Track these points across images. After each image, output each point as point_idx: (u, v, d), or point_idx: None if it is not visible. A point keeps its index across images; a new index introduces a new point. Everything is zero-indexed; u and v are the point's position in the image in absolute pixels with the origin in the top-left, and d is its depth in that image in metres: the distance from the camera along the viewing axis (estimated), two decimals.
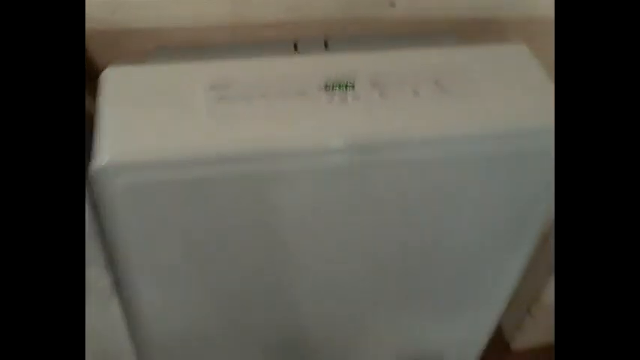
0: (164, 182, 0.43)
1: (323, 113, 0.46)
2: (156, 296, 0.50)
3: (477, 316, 0.65)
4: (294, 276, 0.52)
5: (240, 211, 0.45)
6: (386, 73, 0.49)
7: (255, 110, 0.45)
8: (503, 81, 0.51)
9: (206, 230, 0.46)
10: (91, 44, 0.55)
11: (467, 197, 0.50)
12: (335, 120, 0.46)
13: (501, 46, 0.54)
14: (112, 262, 0.50)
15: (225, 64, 0.49)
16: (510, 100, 0.49)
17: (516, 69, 0.52)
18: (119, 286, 0.53)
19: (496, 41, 0.57)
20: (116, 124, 0.44)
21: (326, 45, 0.55)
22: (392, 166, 0.46)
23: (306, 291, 0.54)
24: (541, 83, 0.51)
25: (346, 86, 0.48)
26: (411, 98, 0.48)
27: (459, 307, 0.63)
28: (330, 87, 0.48)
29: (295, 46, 0.54)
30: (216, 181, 0.43)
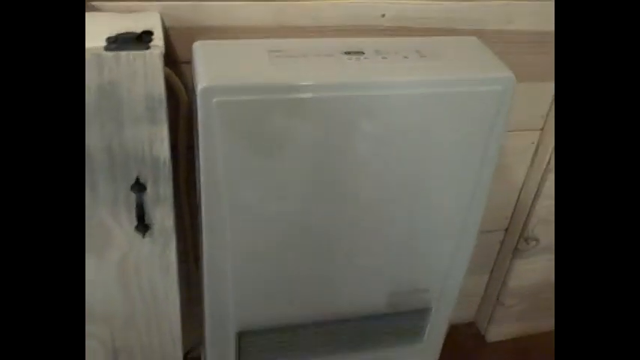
0: (242, 101, 0.65)
1: (343, 65, 0.69)
2: (232, 198, 0.71)
3: (456, 245, 0.85)
4: (330, 178, 0.73)
5: (290, 124, 0.67)
6: (384, 47, 0.73)
7: (299, 62, 0.69)
8: (463, 53, 0.76)
9: (270, 139, 0.68)
10: (174, 36, 0.78)
11: (443, 126, 0.73)
12: (351, 68, 0.69)
13: (461, 37, 0.80)
14: (199, 175, 0.70)
15: (275, 41, 0.72)
16: (469, 62, 0.74)
17: (471, 48, 0.77)
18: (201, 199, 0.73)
19: None
20: (209, 67, 0.66)
21: None
22: (387, 99, 0.69)
23: (338, 196, 0.75)
24: (487, 55, 0.76)
25: (358, 52, 0.72)
26: (401, 59, 0.72)
27: (439, 235, 0.84)
28: (348, 53, 0.72)
29: None
30: (275, 101, 0.66)
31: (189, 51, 0.77)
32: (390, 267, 0.85)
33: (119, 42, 0.67)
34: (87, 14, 0.73)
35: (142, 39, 0.68)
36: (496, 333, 1.31)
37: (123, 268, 0.86)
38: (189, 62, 0.78)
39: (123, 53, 0.67)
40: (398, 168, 0.75)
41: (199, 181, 0.72)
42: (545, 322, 1.32)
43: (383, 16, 0.84)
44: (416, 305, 0.91)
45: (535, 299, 1.25)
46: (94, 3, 0.75)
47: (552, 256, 1.19)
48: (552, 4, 0.89)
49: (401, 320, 0.92)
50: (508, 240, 1.19)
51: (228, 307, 0.83)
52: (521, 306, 1.26)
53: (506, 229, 1.19)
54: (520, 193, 1.13)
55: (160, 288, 0.90)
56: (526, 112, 1.02)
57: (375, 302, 0.88)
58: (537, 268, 1.20)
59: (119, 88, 0.69)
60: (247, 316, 0.84)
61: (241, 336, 0.86)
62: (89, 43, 0.67)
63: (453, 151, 0.75)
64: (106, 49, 0.66)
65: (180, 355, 1.00)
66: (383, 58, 0.72)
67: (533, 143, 1.07)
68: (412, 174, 0.76)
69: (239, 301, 0.82)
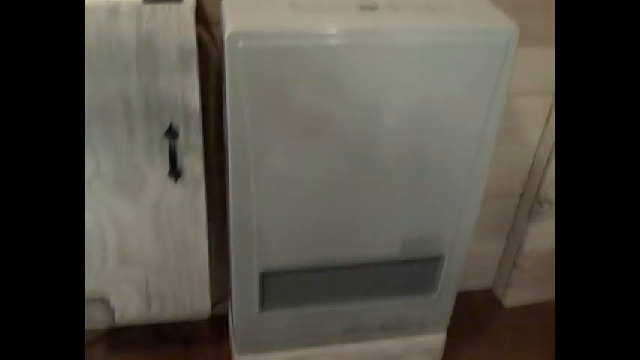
0: (265, 47, 0.71)
1: (358, 17, 0.76)
2: (258, 140, 0.77)
3: (466, 193, 0.90)
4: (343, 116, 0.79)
5: (308, 70, 0.74)
6: (395, 3, 0.79)
7: (318, 14, 0.75)
8: (470, 8, 0.81)
9: (291, 84, 0.74)
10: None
11: (451, 76, 0.78)
12: (365, 19, 0.75)
13: None
14: (227, 121, 0.77)
15: (298, 2, 0.79)
16: (475, 15, 0.79)
17: (478, 5, 0.83)
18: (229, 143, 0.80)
19: None
20: (236, 17, 0.73)
21: None
22: (397, 47, 0.75)
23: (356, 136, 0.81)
24: (493, 11, 0.81)
25: (372, 7, 0.78)
26: (411, 12, 0.78)
27: (449, 182, 0.89)
28: (362, 7, 0.78)
29: None
30: (295, 47, 0.72)
31: (214, 11, 0.84)
32: (404, 213, 0.91)
33: None
34: None
35: None
36: (513, 298, 1.35)
37: (157, 214, 0.93)
38: (219, 23, 0.85)
39: (159, 5, 0.74)
40: (410, 115, 0.80)
41: (226, 128, 0.79)
42: None
43: None
44: (429, 253, 0.97)
45: (550, 264, 1.29)
46: None
47: None
48: None
49: (414, 268, 0.98)
50: (523, 204, 1.23)
51: (252, 250, 0.90)
52: (537, 270, 1.30)
53: (522, 194, 1.23)
54: (534, 156, 1.17)
55: (189, 235, 0.97)
56: (539, 75, 1.07)
57: (389, 249, 0.94)
58: (551, 232, 1.23)
59: (155, 39, 0.77)
60: (269, 258, 0.91)
61: (264, 277, 0.93)
62: None
63: (461, 100, 0.80)
64: (145, 1, 0.74)
65: (208, 304, 1.07)
66: (394, 11, 0.78)
67: (545, 107, 1.11)
68: (423, 121, 0.82)
69: (262, 244, 0.89)
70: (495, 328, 1.32)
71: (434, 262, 0.98)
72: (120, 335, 1.23)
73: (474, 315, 1.34)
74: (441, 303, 1.05)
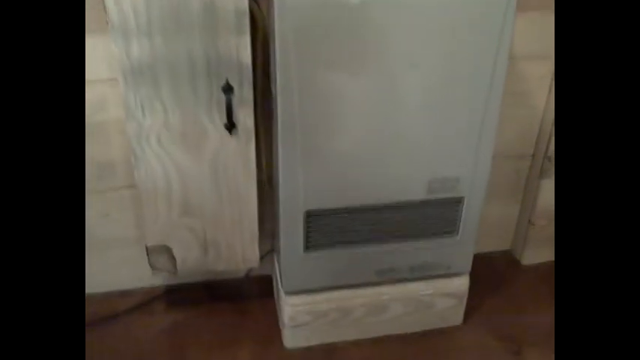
0: (308, 5, 0.87)
1: None
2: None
3: (479, 137, 1.04)
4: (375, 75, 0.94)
5: (343, 26, 0.89)
6: None
7: None
8: None
9: (329, 40, 0.90)
10: None
11: (462, 25, 0.93)
12: None
13: None
14: (273, 76, 0.92)
15: None
16: None
17: None
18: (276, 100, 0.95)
19: None
20: None
21: None
22: (410, 3, 0.90)
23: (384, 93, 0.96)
24: None
25: None
26: None
27: (466, 130, 1.03)
28: None
29: None
30: (332, 5, 0.88)
31: None
32: (429, 157, 1.05)
33: None
34: None
35: None
36: (530, 256, 1.47)
37: (214, 165, 1.08)
38: None
39: None
40: (430, 63, 0.95)
41: (275, 78, 0.95)
42: None
43: None
44: (451, 194, 1.10)
45: None
46: None
47: None
48: None
49: (438, 208, 1.11)
50: (535, 164, 1.36)
51: (298, 190, 1.04)
52: (551, 227, 1.42)
53: (533, 155, 1.37)
54: (542, 118, 1.31)
55: (241, 186, 1.12)
56: (541, 40, 1.21)
57: (417, 190, 1.07)
58: None
59: (215, 4, 0.93)
60: (313, 198, 1.05)
61: (308, 216, 1.07)
62: None
63: (471, 47, 0.95)
64: None
65: (257, 253, 1.21)
66: None
67: (550, 71, 1.25)
68: (441, 68, 0.96)
69: (307, 185, 1.03)
70: (514, 285, 1.43)
71: (455, 203, 1.12)
72: (176, 294, 1.37)
73: (494, 274, 1.46)
74: (463, 244, 1.18)
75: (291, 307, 1.18)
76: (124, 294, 1.36)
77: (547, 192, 1.36)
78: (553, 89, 1.27)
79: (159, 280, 1.37)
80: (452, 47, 0.96)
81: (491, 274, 1.45)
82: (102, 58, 1.09)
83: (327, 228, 1.10)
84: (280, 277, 1.18)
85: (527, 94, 1.27)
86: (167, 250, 1.18)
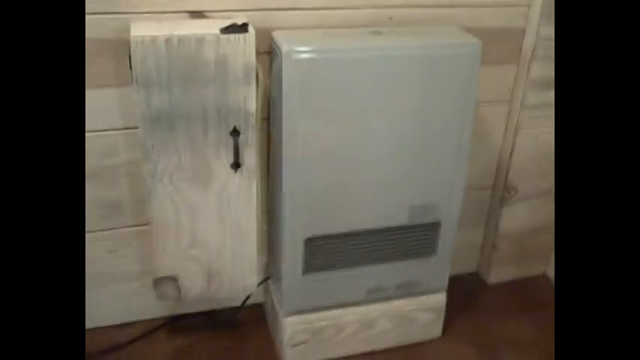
0: (309, 58, 1.03)
1: (368, 39, 1.09)
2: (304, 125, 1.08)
3: (453, 169, 1.22)
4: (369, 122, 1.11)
5: (339, 74, 1.06)
6: (394, 30, 1.13)
7: (343, 37, 1.08)
8: (446, 32, 1.16)
9: (325, 83, 1.06)
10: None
11: (435, 77, 1.11)
12: (374, 40, 1.09)
13: (445, 25, 1.20)
14: (276, 120, 1.08)
15: (325, 29, 1.12)
16: (450, 36, 1.14)
17: (451, 30, 1.17)
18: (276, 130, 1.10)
19: None
20: (287, 41, 1.05)
21: None
22: (392, 57, 1.08)
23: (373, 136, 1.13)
24: (462, 33, 1.16)
25: (378, 33, 1.12)
26: (406, 35, 1.11)
27: (441, 161, 1.20)
28: (373, 33, 1.11)
29: None
30: (328, 58, 1.04)
31: (263, 44, 1.16)
32: (410, 187, 1.21)
33: (229, 30, 1.06)
34: (206, 20, 1.13)
35: (242, 28, 1.08)
36: (495, 276, 1.64)
37: (220, 200, 1.21)
38: (263, 53, 1.17)
39: (232, 35, 1.06)
40: (407, 109, 1.13)
41: (279, 124, 1.10)
42: (534, 265, 1.66)
43: (390, 18, 1.24)
44: (429, 219, 1.26)
45: (522, 242, 1.59)
46: (207, 13, 1.15)
47: (531, 203, 1.54)
48: (510, 10, 1.30)
49: (419, 231, 1.27)
50: (495, 193, 1.55)
51: (299, 221, 1.18)
52: (512, 249, 1.60)
53: (493, 186, 1.55)
54: (500, 153, 1.50)
55: (243, 219, 1.25)
56: (498, 88, 1.41)
57: (400, 216, 1.23)
58: (520, 215, 1.55)
59: (228, 60, 1.08)
60: (312, 226, 1.19)
61: (307, 242, 1.21)
62: (210, 32, 1.06)
63: (444, 97, 1.13)
64: (222, 32, 1.06)
65: (255, 282, 1.33)
66: (394, 35, 1.11)
67: (504, 112, 1.45)
68: (420, 118, 1.14)
69: (306, 216, 1.18)
70: (483, 301, 1.60)
71: (433, 227, 1.28)
72: (177, 323, 1.47)
73: (465, 293, 1.62)
74: (441, 263, 1.34)
75: (290, 327, 1.30)
76: (127, 325, 1.45)
77: (507, 218, 1.54)
78: (509, 129, 1.46)
79: (160, 312, 1.47)
80: (430, 101, 1.14)
81: (462, 292, 1.61)
82: (116, 109, 1.21)
83: (324, 252, 1.24)
84: (280, 300, 1.31)
85: (487, 133, 1.46)
86: (174, 281, 1.29)
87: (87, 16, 1.11)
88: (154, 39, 1.03)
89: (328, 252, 1.24)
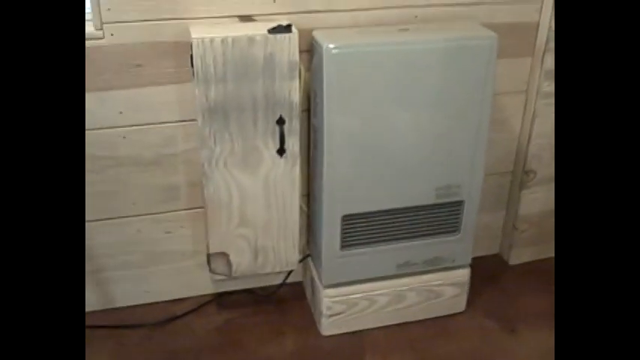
0: (346, 52, 1.19)
1: (396, 35, 1.24)
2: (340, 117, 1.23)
3: (473, 152, 1.35)
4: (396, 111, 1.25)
5: (373, 66, 1.21)
6: (419, 26, 1.28)
7: (375, 34, 1.23)
8: (466, 27, 1.30)
9: (362, 77, 1.21)
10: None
11: (457, 67, 1.25)
12: (402, 35, 1.24)
13: (465, 20, 1.34)
14: (317, 110, 1.23)
15: (359, 29, 1.27)
16: (470, 30, 1.28)
17: (472, 25, 1.32)
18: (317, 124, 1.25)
19: None
20: (327, 38, 1.21)
21: None
22: (418, 50, 1.22)
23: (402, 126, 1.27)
24: (481, 27, 1.30)
25: (405, 29, 1.26)
26: (431, 30, 1.26)
27: (463, 148, 1.34)
28: (400, 29, 1.26)
29: None
30: (364, 52, 1.19)
31: (304, 44, 1.31)
32: (436, 169, 1.35)
33: (275, 30, 1.22)
34: (254, 23, 1.29)
35: (287, 28, 1.23)
36: (516, 257, 1.76)
37: (267, 183, 1.37)
38: (303, 51, 1.32)
39: (278, 35, 1.22)
40: (431, 97, 1.27)
41: (320, 114, 1.25)
42: (551, 246, 1.78)
43: (416, 17, 1.39)
44: (453, 198, 1.40)
45: (541, 225, 1.72)
46: (254, 17, 1.31)
47: (548, 187, 1.66)
48: (524, 6, 1.44)
49: (443, 209, 1.41)
50: (515, 178, 1.68)
51: (337, 198, 1.33)
52: (532, 231, 1.72)
53: (512, 171, 1.68)
54: (519, 140, 1.63)
55: (287, 199, 1.40)
56: (515, 79, 1.55)
57: (427, 195, 1.37)
58: (539, 197, 1.67)
59: (275, 57, 1.23)
60: (348, 204, 1.34)
61: (344, 219, 1.36)
62: (259, 32, 1.22)
63: (463, 84, 1.27)
64: (270, 32, 1.21)
65: (297, 257, 1.48)
66: (419, 30, 1.26)
67: (522, 101, 1.58)
68: (444, 106, 1.28)
69: (344, 194, 1.33)
70: (505, 280, 1.72)
71: (457, 205, 1.42)
72: (225, 299, 1.62)
73: (487, 273, 1.74)
74: (464, 240, 1.47)
75: (328, 299, 1.45)
76: (180, 300, 1.61)
77: (526, 201, 1.67)
78: (526, 117, 1.59)
79: (209, 288, 1.62)
80: (451, 90, 1.28)
81: (485, 272, 1.73)
82: (174, 104, 1.38)
83: (358, 229, 1.38)
84: (319, 274, 1.45)
85: (506, 121, 1.60)
86: (225, 257, 1.44)
87: (149, 22, 1.28)
88: (212, 39, 1.19)
89: (362, 229, 1.38)
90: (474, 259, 1.60)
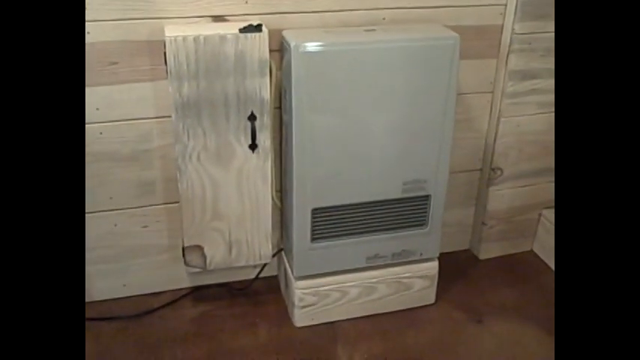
0: (314, 51, 1.24)
1: (363, 35, 1.29)
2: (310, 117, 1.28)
3: (439, 148, 1.41)
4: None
5: (338, 65, 1.26)
6: (385, 27, 1.34)
7: (342, 34, 1.29)
8: (430, 28, 1.36)
9: (328, 74, 1.26)
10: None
11: (419, 66, 1.31)
12: (367, 35, 1.29)
13: (429, 23, 1.40)
14: (287, 107, 1.28)
15: (327, 29, 1.32)
16: (433, 31, 1.34)
17: (435, 27, 1.37)
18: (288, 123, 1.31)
19: None
20: (295, 37, 1.26)
21: None
22: (384, 49, 1.28)
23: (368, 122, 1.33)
24: (444, 29, 1.36)
25: (371, 30, 1.32)
26: (395, 31, 1.32)
27: (429, 144, 1.40)
28: (367, 30, 1.32)
29: None
30: (330, 51, 1.25)
31: (275, 43, 1.37)
32: (403, 164, 1.40)
33: (246, 30, 1.27)
34: (227, 23, 1.34)
35: (257, 28, 1.28)
36: (486, 252, 1.82)
37: (239, 177, 1.41)
38: (274, 50, 1.37)
39: (249, 34, 1.27)
40: (396, 94, 1.32)
41: (289, 109, 1.30)
42: (522, 241, 1.83)
43: (383, 19, 1.44)
44: (419, 192, 1.45)
45: (509, 221, 1.78)
46: (227, 17, 1.36)
47: (514, 184, 1.72)
48: (488, 9, 1.50)
49: (410, 203, 1.46)
50: (483, 175, 1.73)
51: (307, 192, 1.38)
52: (500, 227, 1.78)
53: (481, 169, 1.74)
54: (486, 138, 1.69)
55: (259, 193, 1.44)
56: (481, 80, 1.60)
57: (394, 189, 1.42)
58: (506, 194, 1.73)
59: (245, 55, 1.28)
60: (317, 198, 1.39)
61: (314, 212, 1.40)
62: (231, 31, 1.26)
63: (427, 83, 1.33)
64: (240, 32, 1.26)
65: (270, 250, 1.53)
66: (385, 31, 1.32)
67: (488, 101, 1.64)
68: (409, 104, 1.34)
69: (313, 188, 1.37)
70: (474, 274, 1.78)
71: (424, 199, 1.47)
72: (200, 292, 1.66)
73: (457, 267, 1.79)
74: (432, 234, 1.52)
75: (300, 290, 1.49)
76: (156, 294, 1.64)
77: (494, 197, 1.73)
78: (492, 116, 1.65)
79: (185, 282, 1.66)
80: (416, 88, 1.34)
81: (455, 267, 1.79)
82: (150, 100, 1.42)
83: (328, 222, 1.43)
84: (291, 266, 1.50)
85: (474, 120, 1.65)
86: (200, 249, 1.48)
87: (125, 21, 1.32)
88: (185, 38, 1.24)
89: (332, 222, 1.43)
90: (445, 254, 1.66)
